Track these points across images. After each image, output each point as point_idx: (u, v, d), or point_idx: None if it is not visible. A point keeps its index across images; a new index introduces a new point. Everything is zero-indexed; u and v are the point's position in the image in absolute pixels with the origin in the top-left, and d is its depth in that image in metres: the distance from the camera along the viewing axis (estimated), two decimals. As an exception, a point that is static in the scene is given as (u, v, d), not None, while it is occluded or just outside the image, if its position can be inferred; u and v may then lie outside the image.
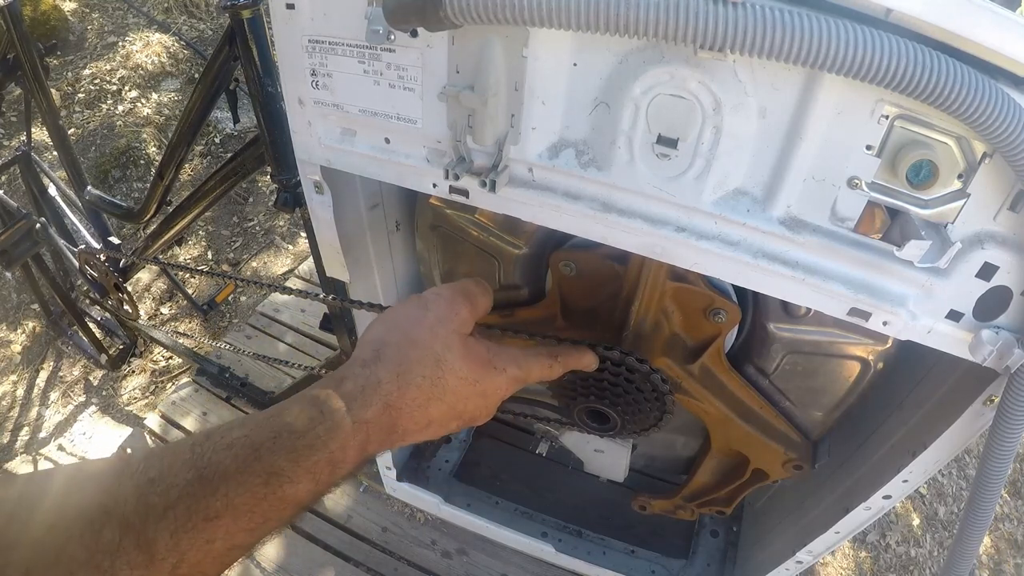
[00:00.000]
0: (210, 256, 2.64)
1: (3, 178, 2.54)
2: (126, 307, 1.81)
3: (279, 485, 0.40)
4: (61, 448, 1.97)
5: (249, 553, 0.41)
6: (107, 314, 2.06)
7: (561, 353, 0.61)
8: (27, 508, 0.36)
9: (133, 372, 2.21)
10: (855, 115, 0.46)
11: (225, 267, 2.61)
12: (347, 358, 1.31)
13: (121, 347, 2.12)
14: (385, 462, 1.24)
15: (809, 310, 0.72)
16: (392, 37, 0.55)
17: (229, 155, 1.43)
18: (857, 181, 0.49)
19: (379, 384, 0.46)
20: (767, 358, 0.78)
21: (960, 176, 0.47)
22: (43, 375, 2.22)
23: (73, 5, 3.49)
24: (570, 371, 0.65)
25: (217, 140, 3.02)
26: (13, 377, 2.21)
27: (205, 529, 0.37)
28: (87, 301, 2.05)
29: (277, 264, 2.61)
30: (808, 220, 0.53)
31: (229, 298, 2.37)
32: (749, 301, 0.75)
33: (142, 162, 2.88)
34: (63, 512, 0.36)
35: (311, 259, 2.41)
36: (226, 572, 0.40)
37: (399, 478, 1.27)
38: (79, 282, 1.91)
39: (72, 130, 2.92)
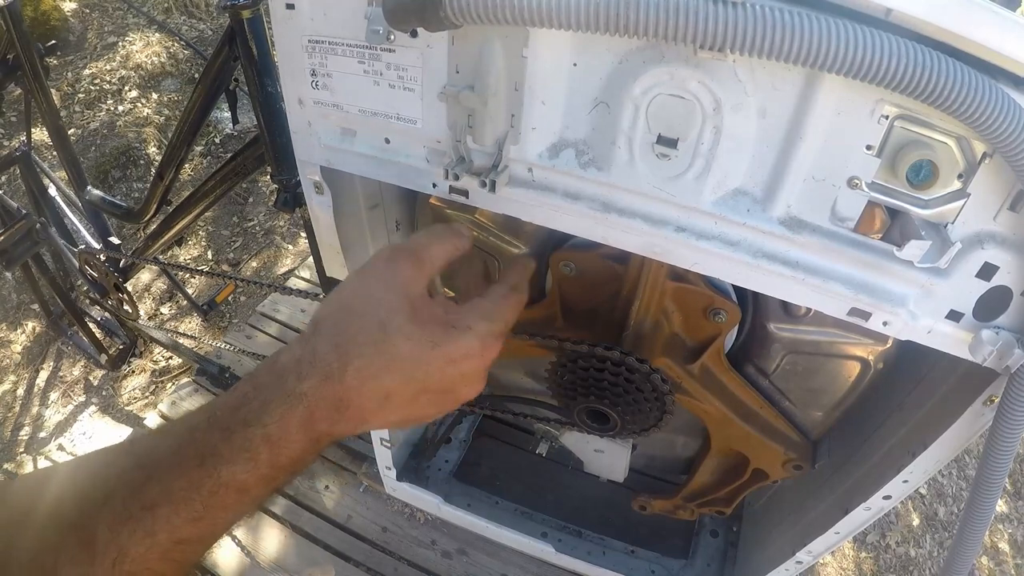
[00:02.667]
0: (210, 256, 2.64)
1: (3, 178, 2.54)
2: (126, 307, 1.81)
3: (214, 467, 0.37)
4: (61, 448, 1.97)
5: (203, 551, 0.38)
6: (107, 314, 2.06)
7: (513, 277, 0.54)
8: None
9: (133, 372, 2.21)
10: (855, 115, 0.46)
11: (225, 267, 2.61)
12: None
13: (121, 347, 2.12)
14: (385, 462, 1.24)
15: (809, 310, 0.72)
16: (392, 37, 0.55)
17: (229, 155, 1.43)
18: (857, 181, 0.49)
19: (315, 355, 0.41)
20: (767, 358, 0.78)
21: (960, 176, 0.47)
22: (43, 375, 2.23)
23: (73, 5, 3.49)
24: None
25: (217, 140, 3.02)
26: (13, 377, 2.21)
27: (143, 519, 0.35)
28: (87, 301, 2.05)
29: (277, 264, 2.61)
30: (808, 220, 0.53)
31: (229, 298, 2.37)
32: (749, 301, 0.75)
33: (142, 162, 2.88)
34: (12, 519, 0.35)
35: (311, 259, 2.41)
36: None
37: (399, 478, 1.27)
38: (79, 282, 1.91)
39: (72, 130, 2.92)
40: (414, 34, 0.54)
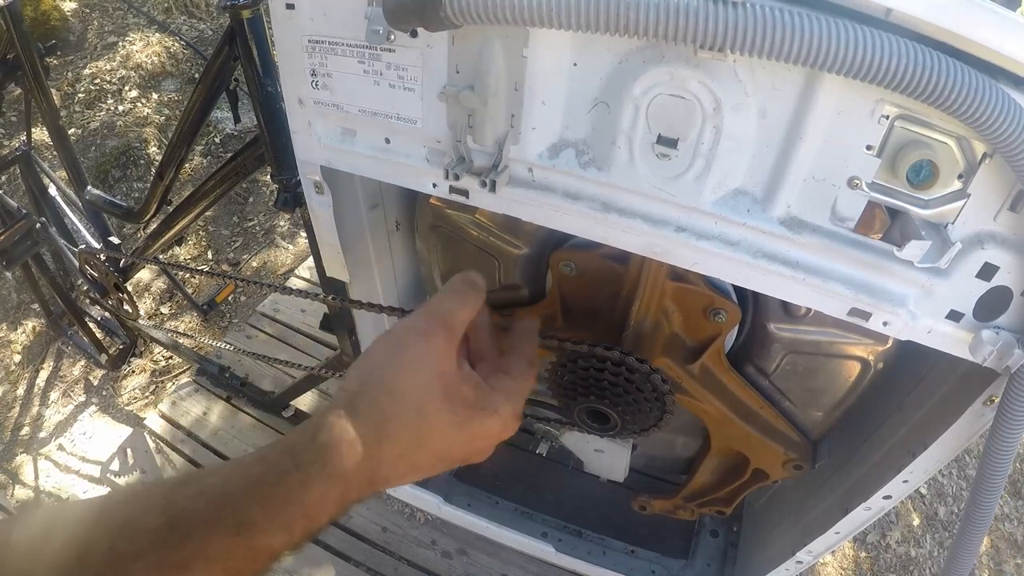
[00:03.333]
0: (210, 256, 2.64)
1: (3, 178, 2.55)
2: (126, 307, 1.81)
3: (251, 536, 0.39)
4: (61, 448, 1.97)
5: None
6: (107, 314, 2.06)
7: (528, 351, 0.57)
8: (5, 556, 0.36)
9: (133, 372, 2.21)
10: (855, 115, 0.46)
11: (225, 267, 2.61)
12: (347, 358, 1.31)
13: (121, 347, 2.11)
14: (385, 462, 1.24)
15: (809, 310, 0.72)
16: (392, 37, 0.55)
17: (229, 155, 1.43)
18: (857, 181, 0.49)
19: (355, 437, 0.43)
20: (767, 358, 0.78)
21: (960, 176, 0.47)
22: (43, 375, 2.22)
23: (73, 5, 3.49)
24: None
25: (217, 140, 3.02)
26: (13, 377, 2.21)
27: None
28: (87, 301, 2.05)
29: (277, 264, 2.61)
30: (808, 220, 0.53)
31: (229, 298, 2.37)
32: (749, 301, 0.75)
33: (142, 162, 2.88)
34: (35, 561, 0.35)
35: (311, 259, 2.41)
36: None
37: (399, 478, 1.27)
38: (79, 282, 1.91)
39: (72, 130, 2.92)
40: (414, 34, 0.54)
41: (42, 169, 1.80)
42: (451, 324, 0.49)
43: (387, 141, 0.63)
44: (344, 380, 0.48)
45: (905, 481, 0.72)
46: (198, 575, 0.37)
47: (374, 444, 0.43)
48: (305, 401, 1.93)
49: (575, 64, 0.52)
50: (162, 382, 2.17)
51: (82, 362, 2.23)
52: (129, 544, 0.36)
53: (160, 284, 2.50)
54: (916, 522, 2.00)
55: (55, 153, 1.87)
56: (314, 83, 0.62)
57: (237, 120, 1.29)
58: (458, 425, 0.47)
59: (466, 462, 0.50)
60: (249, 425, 1.92)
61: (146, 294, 2.48)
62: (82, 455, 1.93)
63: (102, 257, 1.68)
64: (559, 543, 1.22)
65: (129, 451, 1.89)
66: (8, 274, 2.26)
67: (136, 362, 2.22)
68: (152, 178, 1.54)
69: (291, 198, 1.17)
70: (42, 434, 2.03)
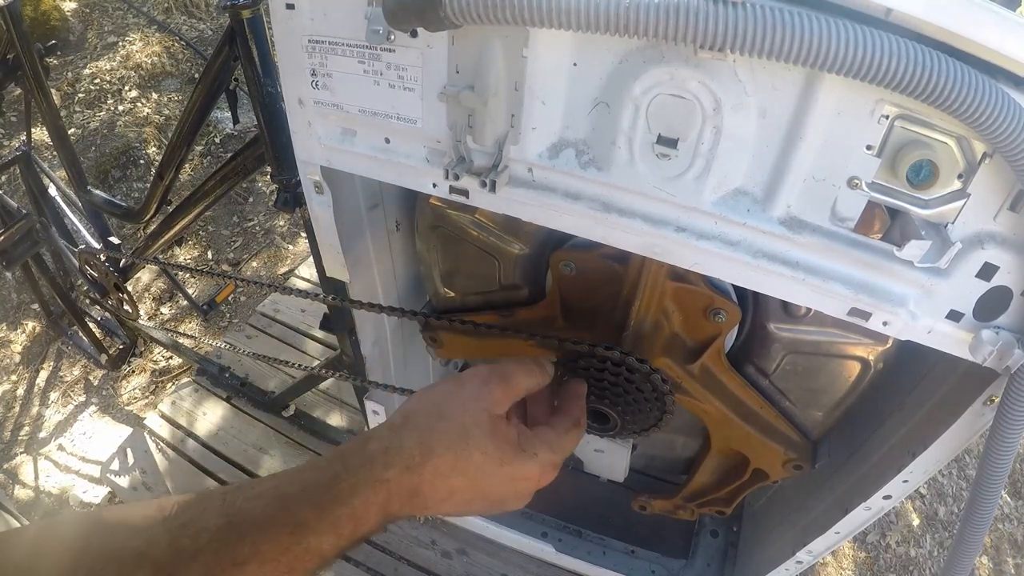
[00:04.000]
0: (210, 256, 2.64)
1: (3, 178, 2.54)
2: (126, 307, 1.81)
3: (303, 536, 0.42)
4: (61, 448, 1.97)
5: None
6: (107, 314, 2.06)
7: (576, 411, 0.60)
8: (42, 554, 0.38)
9: (133, 372, 2.21)
10: (855, 115, 0.46)
11: (225, 267, 2.61)
12: (347, 358, 1.31)
13: (121, 347, 2.12)
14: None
15: (809, 310, 0.72)
16: (392, 37, 0.55)
17: (229, 155, 1.43)
18: (857, 181, 0.49)
19: (402, 447, 0.47)
20: (767, 358, 0.78)
21: (960, 176, 0.47)
22: (43, 375, 2.23)
23: (73, 5, 3.50)
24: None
25: (217, 140, 3.02)
26: (13, 377, 2.21)
27: (232, 574, 0.39)
28: (87, 301, 2.05)
29: (277, 264, 2.61)
30: (808, 220, 0.53)
31: (229, 298, 2.37)
32: (749, 301, 0.75)
33: (142, 162, 2.88)
34: (91, 555, 0.37)
35: (311, 259, 2.41)
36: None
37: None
38: (79, 282, 1.91)
39: (72, 130, 2.92)
40: (414, 34, 0.54)
41: (42, 169, 1.80)
42: (512, 383, 0.54)
43: (387, 141, 0.63)
44: (401, 406, 0.52)
45: (905, 481, 0.72)
46: (252, 571, 0.40)
47: (417, 458, 0.46)
48: (305, 401, 1.93)
49: (575, 64, 0.52)
50: (162, 382, 2.17)
51: (82, 362, 2.23)
52: (190, 540, 0.38)
53: (160, 284, 2.50)
54: (916, 522, 2.00)
55: (55, 153, 1.87)
56: (314, 83, 0.62)
57: (236, 121, 1.29)
58: (498, 461, 0.49)
59: (503, 506, 0.52)
60: (249, 425, 1.92)
61: (146, 294, 2.48)
62: (82, 455, 1.93)
63: (102, 257, 1.68)
64: (559, 543, 1.22)
65: (129, 451, 1.89)
66: (8, 274, 2.26)
67: (136, 362, 2.22)
68: (152, 178, 1.54)
69: (291, 198, 1.17)
70: (42, 434, 2.03)
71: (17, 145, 1.76)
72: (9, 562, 0.36)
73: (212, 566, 0.38)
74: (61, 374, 2.23)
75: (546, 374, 0.58)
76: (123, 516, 0.41)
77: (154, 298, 2.48)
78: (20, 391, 2.18)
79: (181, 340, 2.05)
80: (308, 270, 2.44)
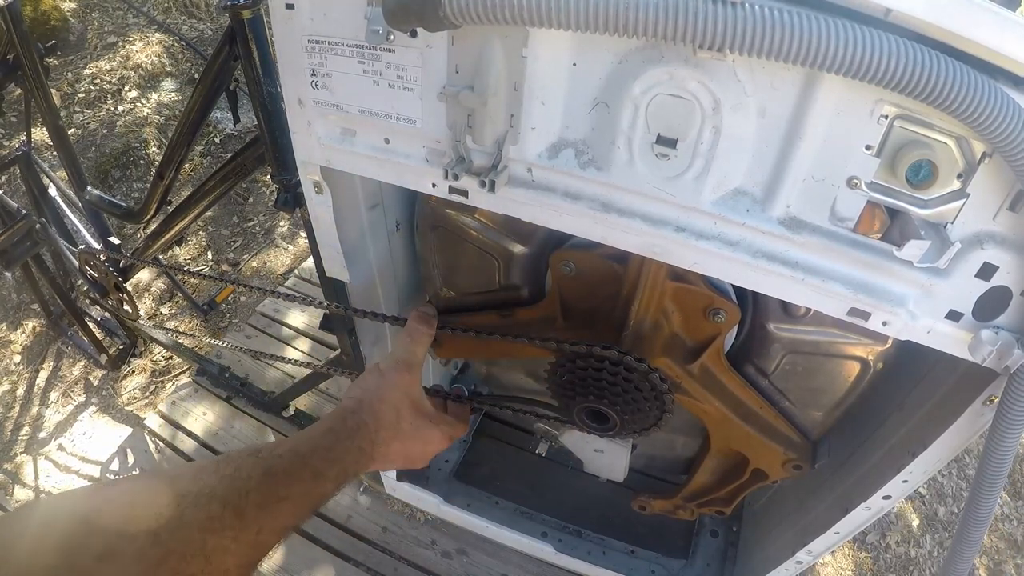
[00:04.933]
0: (210, 256, 2.64)
1: (3, 178, 2.54)
2: (126, 307, 1.81)
3: (319, 482, 0.57)
4: (61, 448, 1.97)
5: (288, 534, 0.55)
6: (107, 314, 2.06)
7: (464, 413, 0.84)
8: (144, 489, 0.48)
9: (133, 372, 2.21)
10: (855, 115, 0.46)
11: (225, 267, 2.61)
12: (347, 358, 1.31)
13: (121, 347, 2.12)
14: (385, 462, 1.24)
15: (809, 310, 0.72)
16: (392, 37, 0.55)
17: (229, 155, 1.43)
18: (857, 181, 0.49)
19: (366, 425, 0.66)
20: (767, 358, 0.78)
21: (959, 176, 0.47)
22: (43, 375, 2.22)
23: (73, 5, 3.50)
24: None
25: (217, 140, 3.02)
26: (13, 377, 2.21)
27: (276, 507, 0.51)
28: (87, 301, 2.05)
29: (277, 264, 2.61)
30: (808, 220, 0.53)
31: (229, 298, 2.37)
32: (749, 301, 0.75)
33: (142, 162, 2.88)
34: (175, 492, 0.47)
35: (311, 259, 2.41)
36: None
37: (399, 478, 1.27)
38: (79, 282, 1.91)
39: (72, 130, 2.92)
40: (414, 34, 0.54)
41: (42, 169, 1.80)
42: (411, 362, 0.76)
43: (387, 141, 0.63)
44: (349, 390, 0.71)
45: (905, 481, 0.72)
46: (288, 507, 0.53)
47: (373, 431, 0.66)
48: (304, 401, 1.93)
49: (575, 64, 0.52)
50: (162, 382, 2.17)
51: (82, 362, 2.23)
52: (243, 483, 0.50)
53: (160, 284, 2.50)
54: (916, 522, 2.00)
55: (55, 153, 1.87)
56: (314, 83, 0.62)
57: (236, 120, 1.29)
58: (417, 428, 0.71)
59: (415, 463, 0.73)
60: (249, 425, 1.92)
61: (146, 294, 2.48)
62: (82, 455, 1.93)
63: (102, 257, 1.68)
64: (559, 543, 1.22)
65: (129, 451, 1.89)
66: (8, 274, 2.26)
67: (136, 362, 2.22)
68: (152, 178, 1.54)
69: (291, 198, 1.17)
70: (42, 434, 2.03)
71: (17, 145, 1.76)
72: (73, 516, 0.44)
73: (263, 499, 0.50)
74: (61, 374, 2.23)
75: (431, 326, 0.80)
76: (174, 475, 0.50)
77: (154, 298, 2.48)
78: (20, 391, 2.18)
79: (181, 340, 2.05)
80: (308, 270, 2.44)
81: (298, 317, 2.24)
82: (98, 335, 2.11)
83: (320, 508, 0.59)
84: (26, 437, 2.03)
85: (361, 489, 1.77)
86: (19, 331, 2.34)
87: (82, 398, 2.14)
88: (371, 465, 0.66)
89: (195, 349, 2.11)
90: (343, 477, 0.61)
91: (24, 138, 1.74)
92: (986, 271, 0.50)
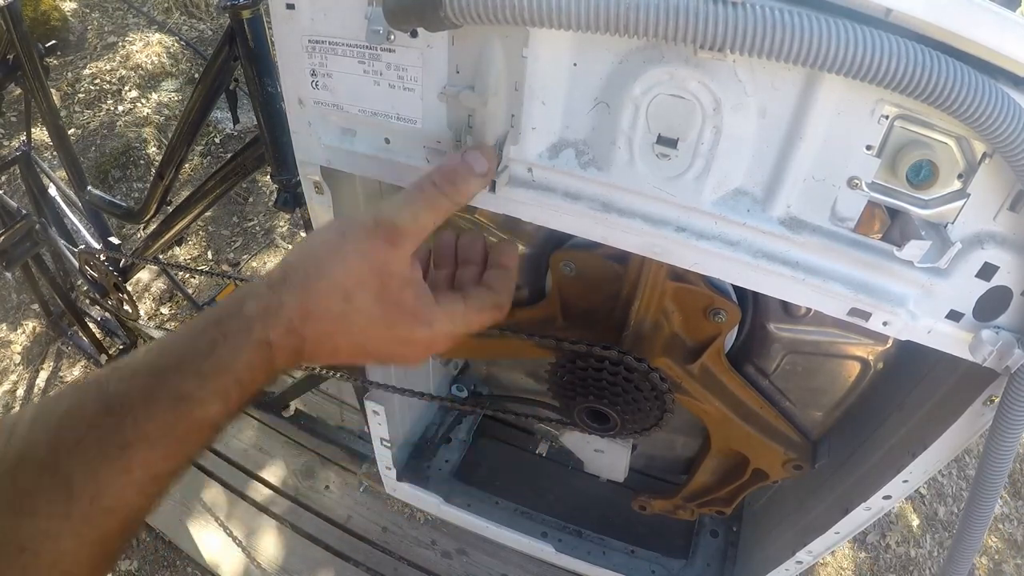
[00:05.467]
0: (210, 256, 2.64)
1: (3, 178, 2.54)
2: (126, 307, 1.81)
3: (189, 409, 0.40)
4: (61, 448, 1.97)
5: (175, 481, 0.41)
6: (107, 314, 2.06)
7: (503, 292, 0.57)
8: None
9: (133, 372, 2.21)
10: (855, 115, 0.46)
11: (225, 267, 2.61)
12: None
13: (121, 347, 2.11)
14: (385, 462, 1.24)
15: (809, 310, 0.72)
16: (392, 37, 0.55)
17: (229, 155, 1.43)
18: (857, 181, 0.49)
19: (281, 307, 0.44)
20: (767, 358, 0.78)
21: (960, 176, 0.47)
22: (43, 375, 2.22)
23: (73, 5, 3.50)
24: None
25: (217, 140, 3.02)
26: (13, 377, 2.21)
27: (120, 458, 0.37)
28: (87, 301, 2.05)
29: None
30: (808, 220, 0.53)
31: (229, 298, 2.37)
32: (749, 301, 0.75)
33: (142, 162, 2.88)
34: None
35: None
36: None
37: (399, 478, 1.27)
38: (79, 282, 1.91)
39: (72, 130, 2.92)
40: (414, 34, 0.54)
41: (42, 169, 1.80)
42: (404, 232, 0.47)
43: (387, 141, 0.63)
44: (288, 255, 0.48)
45: (905, 481, 0.72)
46: (141, 454, 0.38)
47: (297, 320, 0.44)
48: (304, 401, 1.93)
49: (575, 64, 0.52)
50: (162, 382, 2.17)
51: (82, 362, 2.23)
52: (71, 432, 0.37)
53: (160, 284, 2.50)
54: (916, 522, 2.00)
55: (55, 153, 1.88)
56: (314, 83, 0.62)
57: (236, 121, 1.30)
58: (384, 325, 0.47)
59: (392, 360, 0.51)
60: (248, 425, 1.92)
61: (146, 294, 2.48)
62: (82, 455, 1.93)
63: (102, 257, 1.68)
64: (559, 543, 1.22)
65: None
66: (8, 274, 2.26)
67: (136, 362, 2.22)
68: (152, 178, 1.54)
69: (291, 198, 1.17)
70: (42, 434, 2.03)
71: (17, 145, 1.76)
72: None
73: (95, 453, 0.37)
74: (61, 374, 2.23)
75: (456, 197, 0.50)
76: (13, 419, 0.38)
77: (154, 298, 2.48)
78: (20, 391, 2.18)
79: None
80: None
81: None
82: (98, 335, 2.11)
83: (208, 442, 0.42)
84: (26, 437, 2.03)
85: (361, 489, 1.77)
86: (19, 331, 2.34)
87: (82, 398, 2.14)
88: (304, 362, 0.46)
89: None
90: (236, 391, 0.42)
91: (24, 138, 1.74)
92: (986, 271, 0.50)
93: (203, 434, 0.41)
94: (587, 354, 0.75)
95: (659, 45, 0.48)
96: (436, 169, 0.51)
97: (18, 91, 1.60)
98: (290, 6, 0.57)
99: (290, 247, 2.65)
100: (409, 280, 0.48)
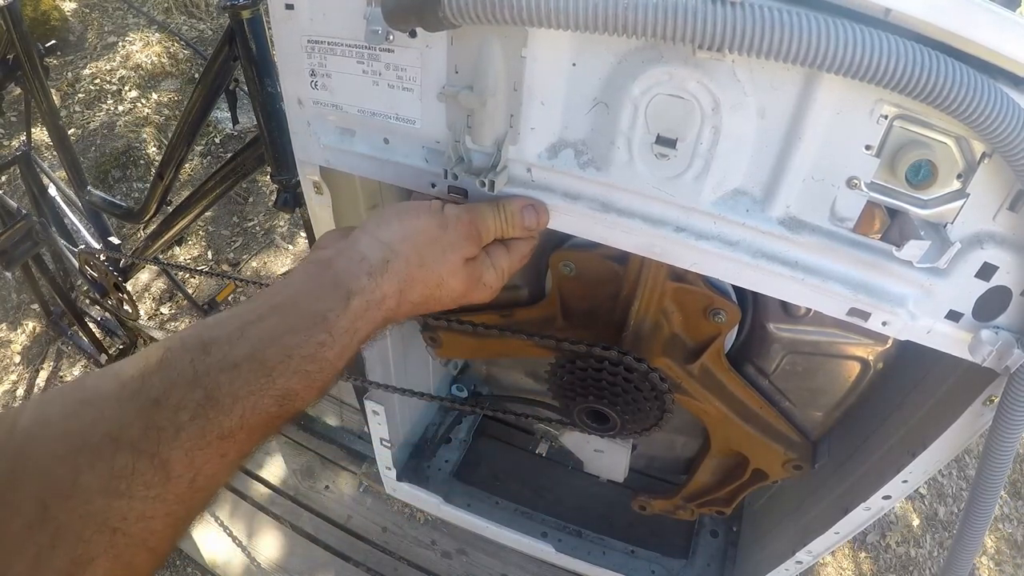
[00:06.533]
0: (210, 256, 2.64)
1: (3, 178, 2.55)
2: (126, 307, 1.81)
3: (291, 404, 0.42)
4: (61, 448, 1.97)
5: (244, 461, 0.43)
6: (107, 314, 2.06)
7: (524, 243, 0.62)
8: (32, 438, 0.36)
9: (133, 372, 2.21)
10: (854, 115, 0.46)
11: (225, 267, 2.61)
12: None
13: (121, 347, 2.12)
14: (385, 462, 1.24)
15: (809, 310, 0.72)
16: (391, 37, 0.55)
17: (229, 155, 1.43)
18: (856, 181, 0.49)
19: (383, 300, 0.48)
20: (767, 358, 0.78)
21: (959, 176, 0.47)
22: (43, 375, 2.22)
23: (73, 5, 3.50)
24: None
25: (217, 140, 3.02)
26: (13, 377, 2.21)
27: (220, 446, 0.38)
28: (87, 301, 2.05)
29: (277, 264, 2.61)
30: (807, 220, 0.53)
31: (229, 298, 2.37)
32: (749, 301, 0.75)
33: (142, 162, 2.88)
34: (68, 442, 0.35)
35: (311, 259, 2.40)
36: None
37: (399, 478, 1.27)
38: (79, 282, 1.91)
39: (72, 130, 2.92)
40: (413, 34, 0.54)
41: (42, 169, 1.80)
42: (483, 235, 0.55)
43: (386, 141, 0.63)
44: (377, 228, 0.51)
45: (905, 481, 0.72)
46: (240, 441, 0.39)
47: (394, 307, 0.49)
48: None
49: (574, 64, 0.52)
50: (162, 382, 2.17)
51: (82, 362, 2.23)
52: (169, 420, 0.37)
53: (160, 284, 2.50)
54: (916, 522, 2.00)
55: (55, 153, 1.87)
56: (313, 83, 0.62)
57: (235, 121, 1.30)
58: (461, 295, 0.54)
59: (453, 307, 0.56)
60: (249, 425, 1.91)
61: (146, 294, 2.48)
62: (82, 455, 1.93)
63: (102, 257, 1.68)
64: (559, 543, 1.22)
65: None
66: (8, 274, 2.26)
67: (136, 362, 2.22)
68: (152, 178, 1.55)
69: (291, 198, 1.17)
70: (42, 434, 2.02)
71: (17, 145, 1.77)
72: None
73: (197, 440, 0.37)
74: (61, 374, 2.23)
75: (534, 235, 0.59)
76: (88, 396, 0.38)
77: (154, 298, 2.48)
78: (20, 391, 2.18)
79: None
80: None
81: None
82: (98, 335, 2.11)
83: (283, 429, 0.44)
84: (26, 437, 2.03)
85: (361, 489, 1.77)
86: (19, 331, 2.35)
87: (82, 398, 2.14)
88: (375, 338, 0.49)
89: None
90: (329, 383, 0.45)
91: (24, 138, 1.74)
92: (986, 271, 0.50)
93: (290, 419, 0.44)
94: (587, 354, 0.75)
95: (658, 45, 0.48)
96: (517, 203, 0.58)
97: (18, 91, 1.60)
98: (289, 6, 0.57)
99: (288, 246, 2.65)
100: (486, 263, 0.57)
